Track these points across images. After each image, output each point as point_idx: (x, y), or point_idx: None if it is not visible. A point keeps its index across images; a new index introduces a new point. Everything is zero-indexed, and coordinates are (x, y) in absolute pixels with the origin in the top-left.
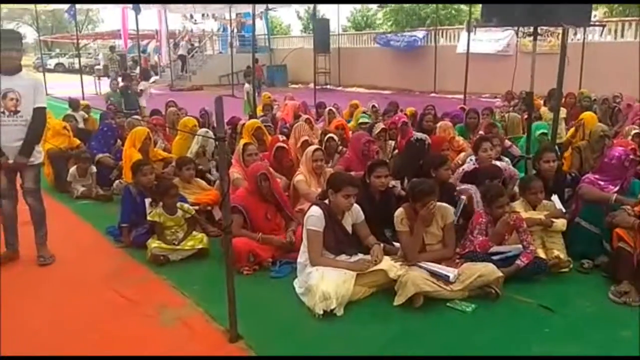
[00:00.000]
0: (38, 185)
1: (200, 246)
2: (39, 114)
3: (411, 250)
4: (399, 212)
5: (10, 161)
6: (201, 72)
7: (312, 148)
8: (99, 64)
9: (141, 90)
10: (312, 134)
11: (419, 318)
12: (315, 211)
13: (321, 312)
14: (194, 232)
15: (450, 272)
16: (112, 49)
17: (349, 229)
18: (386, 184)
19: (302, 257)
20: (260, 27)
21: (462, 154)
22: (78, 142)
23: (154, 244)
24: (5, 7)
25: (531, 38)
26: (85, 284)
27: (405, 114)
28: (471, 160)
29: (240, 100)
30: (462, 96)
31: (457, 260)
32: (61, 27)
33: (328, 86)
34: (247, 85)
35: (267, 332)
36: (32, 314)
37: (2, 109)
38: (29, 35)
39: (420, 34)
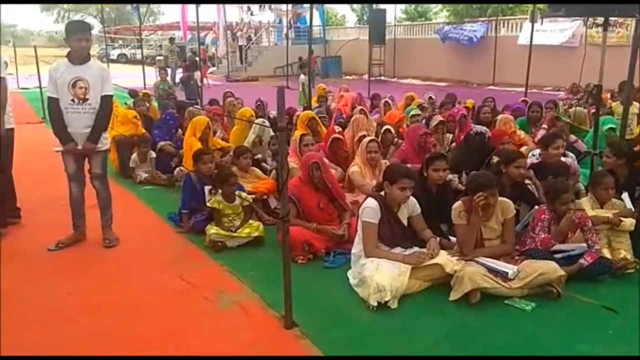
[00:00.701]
0: (105, 171)
1: (256, 234)
2: (107, 102)
3: (467, 244)
4: (457, 205)
5: (79, 147)
6: (257, 64)
7: (367, 139)
8: (160, 55)
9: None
10: (368, 126)
11: (475, 315)
12: (371, 203)
13: (375, 304)
14: (250, 220)
15: (510, 268)
16: (171, 40)
17: (405, 221)
18: (444, 177)
19: (357, 248)
20: (316, 18)
21: (524, 148)
22: (144, 130)
23: (212, 230)
24: None
25: (599, 29)
26: (147, 266)
27: (466, 107)
28: (534, 155)
29: (294, 92)
30: (522, 89)
31: (517, 257)
32: (124, 19)
33: (382, 77)
34: (302, 76)
35: (321, 321)
36: (98, 292)
37: (72, 96)
38: (94, 26)
39: (480, 28)
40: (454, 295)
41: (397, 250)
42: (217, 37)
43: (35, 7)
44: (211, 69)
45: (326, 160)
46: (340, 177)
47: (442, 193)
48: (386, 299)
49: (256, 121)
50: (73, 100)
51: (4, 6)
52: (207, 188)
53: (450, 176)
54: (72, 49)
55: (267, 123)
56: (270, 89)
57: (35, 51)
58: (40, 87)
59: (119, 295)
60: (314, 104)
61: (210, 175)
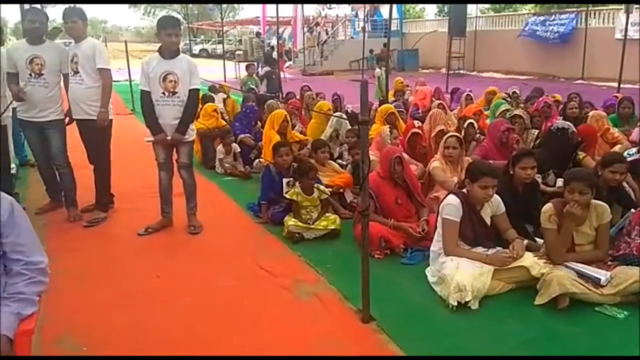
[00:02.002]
0: (191, 161)
1: (333, 227)
2: (194, 95)
3: (557, 251)
4: (548, 207)
5: (169, 137)
6: (332, 57)
7: (447, 135)
8: (239, 50)
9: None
10: (447, 121)
11: (562, 320)
12: (453, 200)
13: (455, 303)
14: (328, 213)
15: (602, 274)
16: (258, 35)
17: (488, 220)
18: (532, 176)
19: (436, 245)
20: (393, 11)
21: (618, 147)
22: (224, 122)
23: (290, 221)
24: None
25: None
26: (228, 253)
27: (557, 101)
28: (630, 154)
29: (370, 86)
30: (614, 84)
31: (610, 263)
32: (205, 14)
33: (461, 71)
34: (378, 70)
35: (399, 317)
36: (184, 276)
37: (162, 89)
38: None
39: (568, 22)
40: (539, 300)
41: (479, 249)
42: (294, 31)
43: (124, 4)
44: (288, 63)
45: (406, 156)
46: (420, 174)
47: (529, 192)
48: (467, 299)
49: (334, 115)
50: (164, 93)
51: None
52: (285, 180)
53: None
54: (163, 43)
55: (345, 117)
56: (345, 82)
57: (126, 46)
58: (130, 80)
59: (203, 279)
60: (391, 97)
61: (288, 168)
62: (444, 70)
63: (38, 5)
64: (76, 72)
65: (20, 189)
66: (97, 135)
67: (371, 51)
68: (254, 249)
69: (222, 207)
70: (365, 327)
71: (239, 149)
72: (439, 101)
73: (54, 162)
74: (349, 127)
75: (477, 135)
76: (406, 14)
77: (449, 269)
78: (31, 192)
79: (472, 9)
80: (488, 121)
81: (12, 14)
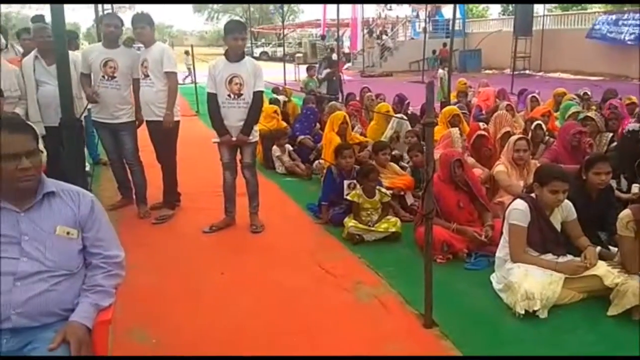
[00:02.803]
0: (254, 161)
1: (393, 229)
2: (258, 97)
3: (633, 259)
4: (626, 213)
5: (234, 138)
6: (391, 59)
7: (515, 137)
8: (299, 52)
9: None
10: (513, 123)
11: (637, 332)
12: (520, 205)
13: (522, 312)
14: (388, 216)
15: None
16: (323, 38)
17: (558, 226)
18: (606, 182)
19: (502, 251)
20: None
21: None
22: (285, 124)
23: (350, 222)
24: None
25: None
26: (289, 252)
27: (631, 103)
28: None
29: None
30: None
31: None
32: (266, 18)
33: (527, 71)
34: (440, 71)
35: (462, 323)
36: (246, 274)
37: (228, 92)
38: None
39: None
40: (613, 310)
41: (548, 257)
42: (353, 32)
43: (189, 9)
44: (347, 65)
45: (470, 159)
46: (486, 179)
47: (603, 199)
48: (535, 308)
49: (395, 116)
50: (229, 96)
51: (161, 8)
52: (346, 182)
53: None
54: (229, 47)
55: (405, 119)
56: (404, 84)
57: (192, 50)
58: (194, 83)
59: (265, 277)
60: (453, 99)
61: (350, 170)
62: (507, 71)
63: (108, 6)
64: (146, 76)
65: (93, 186)
66: (165, 136)
67: (434, 52)
68: (314, 249)
69: (282, 207)
70: (427, 332)
71: (291, 148)
72: (506, 102)
73: (126, 161)
74: (410, 128)
75: (546, 137)
76: (469, 14)
77: (516, 276)
78: (104, 189)
79: (538, 7)
80: (558, 123)
81: (84, 19)
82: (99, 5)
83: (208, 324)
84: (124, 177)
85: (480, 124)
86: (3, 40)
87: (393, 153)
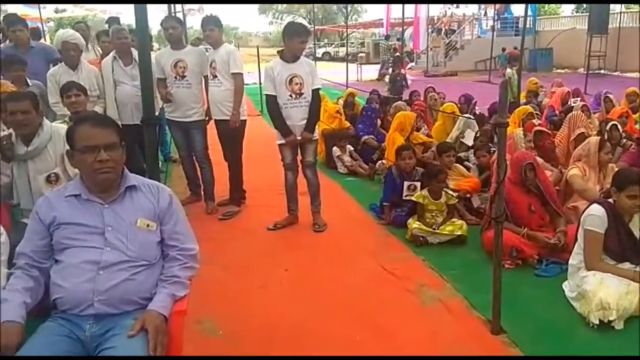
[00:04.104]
0: (315, 160)
1: (459, 233)
2: (317, 94)
3: None
4: None
5: (298, 138)
6: (456, 58)
7: (595, 139)
8: (362, 52)
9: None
10: (588, 124)
11: None
12: (597, 210)
13: (597, 322)
14: (454, 219)
15: None
16: (387, 38)
17: (637, 234)
18: None
19: (576, 259)
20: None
21: None
22: (348, 124)
23: (414, 224)
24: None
25: None
26: (352, 252)
27: None
28: None
29: (497, 87)
30: None
31: None
32: (329, 18)
33: (602, 71)
34: (509, 70)
35: (531, 331)
36: (309, 272)
37: (289, 92)
38: None
39: None
40: None
41: (626, 265)
42: (416, 32)
43: (254, 11)
44: (410, 65)
45: (540, 160)
46: (556, 180)
47: None
48: (610, 318)
49: (462, 116)
50: (291, 96)
51: (228, 10)
52: (406, 184)
53: None
54: (288, 48)
55: (472, 119)
56: (470, 83)
57: (258, 51)
58: (259, 84)
59: (328, 275)
60: (522, 99)
61: (410, 171)
62: (581, 70)
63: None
64: (215, 76)
65: (164, 182)
66: (232, 135)
67: (503, 49)
68: (377, 250)
69: (344, 206)
70: (495, 339)
71: (352, 148)
72: (581, 102)
73: (196, 159)
74: (477, 129)
75: (623, 140)
76: (540, 11)
77: (591, 285)
78: (174, 185)
79: (615, 5)
80: (638, 126)
81: (156, 21)
82: (171, 7)
83: (273, 319)
84: (194, 174)
85: (534, 120)
86: (84, 42)
87: (459, 154)
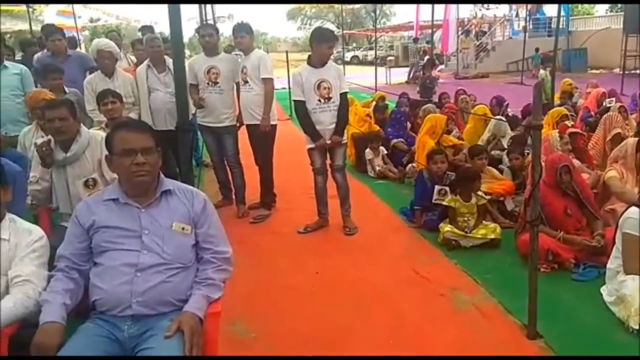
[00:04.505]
0: (344, 163)
1: (492, 236)
2: (345, 98)
3: None
4: None
5: (328, 141)
6: (487, 59)
7: (632, 140)
8: (390, 56)
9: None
10: (624, 124)
11: None
12: (635, 213)
13: (636, 327)
14: (487, 222)
15: None
16: (415, 40)
17: None
18: None
19: (614, 263)
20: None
21: None
22: (378, 128)
23: (446, 227)
24: (313, 7)
25: None
26: (383, 255)
27: None
28: None
29: (530, 89)
30: None
31: None
32: (358, 22)
33: (638, 71)
34: (542, 71)
35: (569, 336)
36: (340, 274)
37: (318, 97)
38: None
39: None
40: None
41: None
42: (445, 34)
43: (282, 16)
44: (440, 67)
45: (577, 163)
46: (593, 183)
47: None
48: None
49: (493, 118)
50: (319, 100)
51: (257, 16)
52: (437, 188)
53: None
54: (316, 54)
55: (504, 120)
56: (501, 85)
57: (287, 56)
58: (289, 88)
59: (360, 279)
60: (556, 100)
61: (441, 176)
62: (617, 70)
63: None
64: (246, 82)
65: (196, 186)
66: (262, 139)
67: (537, 50)
68: (409, 253)
69: (375, 210)
70: (531, 344)
71: (386, 152)
72: (618, 103)
73: (227, 163)
74: (509, 131)
75: None
76: (573, 11)
77: (630, 289)
78: (205, 189)
79: None
80: None
81: (185, 30)
82: (202, 15)
83: (305, 321)
84: (225, 179)
85: (568, 122)
86: (118, 50)
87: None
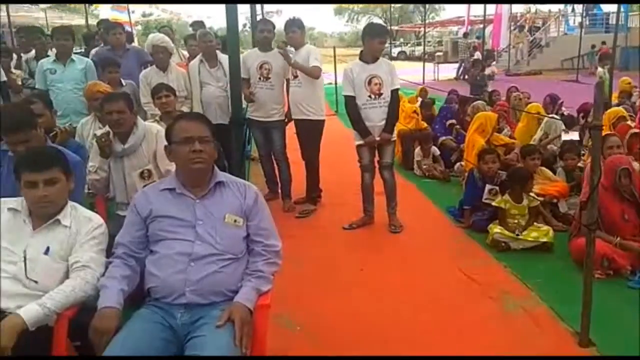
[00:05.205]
0: (392, 161)
1: (544, 239)
2: (396, 95)
3: None
4: None
5: (377, 138)
6: (541, 56)
7: None
8: (439, 51)
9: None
10: None
11: None
12: None
13: None
14: (540, 224)
15: None
16: (465, 35)
17: None
18: None
19: None
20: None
21: None
22: (425, 124)
23: (496, 229)
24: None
25: None
26: (429, 254)
27: None
28: None
29: (585, 87)
30: None
31: None
32: (406, 17)
33: None
34: (600, 69)
35: (623, 344)
36: (385, 273)
37: (368, 92)
38: None
39: None
40: None
41: None
42: (496, 29)
43: (330, 12)
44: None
45: (635, 164)
46: None
47: None
48: None
49: (548, 116)
50: (370, 96)
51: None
52: (488, 187)
53: None
54: (368, 49)
55: (558, 120)
56: (555, 82)
57: (334, 51)
58: (335, 84)
59: (405, 277)
60: (614, 100)
61: (492, 176)
62: None
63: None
64: (295, 77)
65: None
66: (310, 134)
67: (593, 46)
68: (455, 254)
69: (421, 208)
70: (584, 352)
71: (438, 152)
72: None
73: (274, 157)
74: (563, 129)
75: None
76: (632, 7)
77: None
78: (252, 182)
79: None
80: None
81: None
82: (254, 10)
83: (349, 317)
84: (272, 172)
85: (630, 122)
86: (172, 45)
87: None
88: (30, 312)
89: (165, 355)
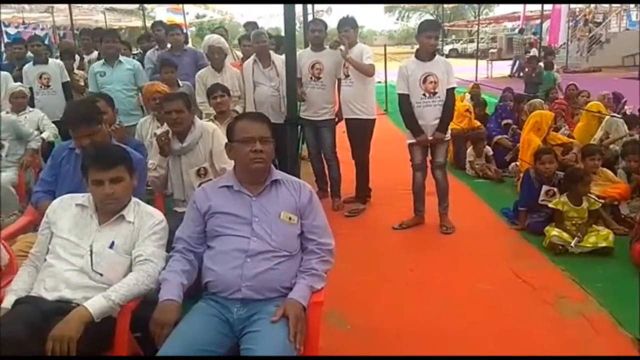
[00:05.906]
0: (446, 161)
1: (604, 244)
2: (451, 94)
3: None
4: None
5: (430, 138)
6: (600, 52)
7: None
8: (492, 48)
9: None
10: None
11: None
12: None
13: None
14: (600, 227)
15: None
16: (521, 31)
17: None
18: None
19: None
20: None
21: None
22: (478, 123)
23: (553, 231)
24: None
25: None
26: (482, 256)
27: None
28: None
29: None
30: None
31: None
32: (458, 14)
33: None
34: None
35: None
36: (435, 274)
37: (423, 91)
38: None
39: None
40: None
41: None
42: (554, 25)
43: (380, 10)
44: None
45: None
46: None
47: None
48: None
49: (610, 115)
50: (424, 95)
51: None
52: (544, 188)
53: None
54: (421, 45)
55: (620, 117)
56: (616, 80)
57: (385, 50)
58: (385, 82)
59: (457, 278)
60: None
61: (550, 176)
62: None
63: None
64: (347, 76)
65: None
66: (361, 133)
67: None
68: (510, 256)
69: (474, 209)
70: None
71: (491, 152)
72: None
73: (324, 156)
74: (625, 130)
75: None
76: None
77: None
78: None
79: None
80: None
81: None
82: (306, 9)
83: (399, 317)
84: (322, 171)
85: None
86: (227, 46)
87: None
88: (96, 304)
89: (219, 355)
